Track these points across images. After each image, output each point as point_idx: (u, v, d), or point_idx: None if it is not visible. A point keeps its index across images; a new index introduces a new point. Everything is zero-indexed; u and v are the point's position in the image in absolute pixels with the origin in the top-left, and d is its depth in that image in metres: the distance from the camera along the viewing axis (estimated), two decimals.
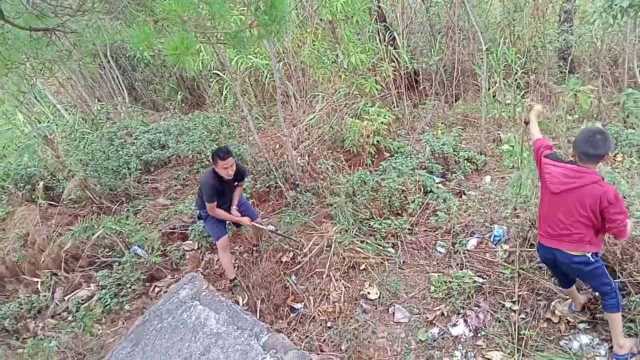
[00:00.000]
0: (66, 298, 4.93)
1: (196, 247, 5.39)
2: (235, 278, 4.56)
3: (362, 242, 4.78)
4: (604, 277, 2.95)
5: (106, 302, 4.62)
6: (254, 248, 5.04)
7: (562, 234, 2.90)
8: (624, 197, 3.97)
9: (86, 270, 5.23)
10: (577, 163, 2.78)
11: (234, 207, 4.51)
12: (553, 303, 3.57)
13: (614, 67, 7.94)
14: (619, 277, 3.38)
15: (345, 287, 4.28)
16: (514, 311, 3.61)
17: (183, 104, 10.10)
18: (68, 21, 3.54)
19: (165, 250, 5.32)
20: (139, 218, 6.02)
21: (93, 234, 5.31)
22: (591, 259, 2.87)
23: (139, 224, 5.77)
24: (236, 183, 4.41)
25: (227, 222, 4.65)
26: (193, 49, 2.96)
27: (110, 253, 5.28)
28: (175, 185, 6.87)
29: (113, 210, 6.24)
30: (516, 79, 7.04)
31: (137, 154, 7.19)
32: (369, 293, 4.18)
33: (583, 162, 2.74)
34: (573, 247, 2.88)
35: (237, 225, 4.89)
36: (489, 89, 7.39)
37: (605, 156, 2.75)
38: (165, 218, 5.91)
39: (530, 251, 4.06)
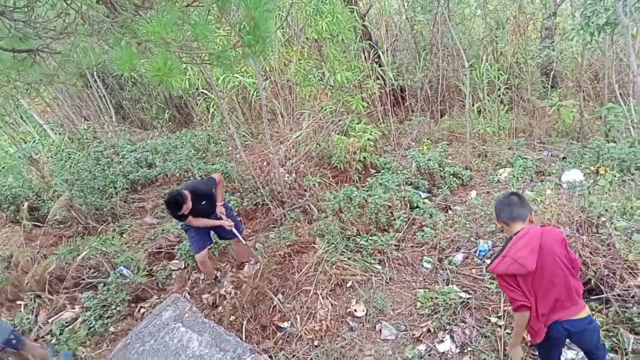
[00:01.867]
0: (50, 320, 4.85)
1: (183, 267, 5.35)
2: (216, 277, 4.93)
3: (349, 259, 4.78)
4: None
5: (91, 324, 4.56)
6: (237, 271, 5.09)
7: (564, 300, 2.55)
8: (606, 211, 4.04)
9: (71, 291, 5.16)
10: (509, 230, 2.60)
11: (219, 204, 4.63)
12: None
13: (595, 82, 8.10)
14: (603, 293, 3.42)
15: (332, 304, 4.26)
16: (500, 326, 3.61)
17: (171, 123, 10.12)
18: (52, 43, 3.56)
19: (151, 270, 5.27)
20: (125, 238, 5.98)
21: (78, 255, 5.26)
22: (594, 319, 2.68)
23: (125, 244, 5.73)
24: (203, 202, 4.43)
25: (212, 237, 4.79)
26: (177, 70, 2.98)
27: (95, 274, 5.22)
28: (162, 204, 6.83)
29: (99, 230, 6.19)
30: (499, 95, 7.16)
31: (124, 173, 7.16)
32: (355, 310, 4.17)
33: (512, 226, 2.57)
34: (582, 306, 2.59)
35: (220, 237, 4.97)
36: (473, 105, 7.51)
37: (529, 215, 2.60)
38: (152, 237, 5.88)
39: None
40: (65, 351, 4.30)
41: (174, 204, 4.07)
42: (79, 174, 6.97)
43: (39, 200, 6.68)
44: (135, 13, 3.03)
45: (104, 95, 9.67)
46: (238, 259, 5.19)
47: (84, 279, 5.17)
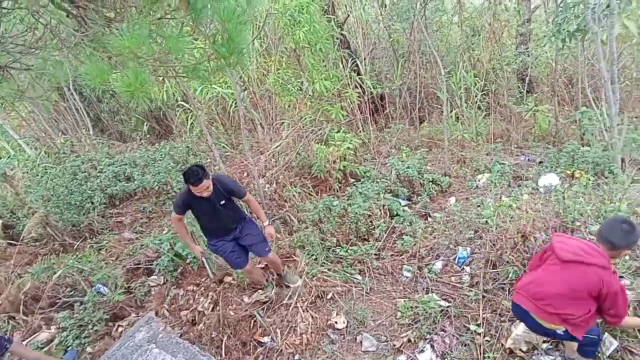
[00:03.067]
0: (24, 342, 4.72)
1: (162, 282, 5.26)
2: (267, 279, 4.65)
3: (329, 270, 4.76)
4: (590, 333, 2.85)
5: (67, 344, 4.45)
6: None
7: (547, 305, 2.77)
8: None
9: (47, 312, 5.03)
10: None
11: (265, 223, 4.22)
12: (513, 325, 3.60)
13: (570, 87, 8.24)
14: None
15: (312, 317, 4.23)
16: (479, 334, 3.62)
17: (150, 135, 10.02)
18: (21, 58, 3.49)
19: (129, 287, 5.18)
20: (102, 254, 5.87)
21: (54, 274, 5.14)
22: (562, 333, 2.80)
23: (103, 261, 5.63)
24: (223, 202, 3.96)
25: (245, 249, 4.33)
26: (148, 84, 2.94)
27: (72, 292, 5.10)
28: (141, 219, 6.74)
29: (76, 247, 6.08)
30: (476, 101, 7.23)
31: (102, 188, 7.05)
32: (336, 322, 4.14)
33: (602, 246, 2.68)
34: (552, 320, 2.78)
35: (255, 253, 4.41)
36: (451, 111, 7.58)
37: (623, 250, 2.67)
38: (130, 253, 5.78)
39: (492, 272, 4.11)
40: (70, 350, 4.27)
41: (194, 172, 3.56)
42: (55, 190, 6.83)
43: (14, 217, 6.54)
44: (107, 26, 2.99)
45: (81, 108, 9.53)
46: (253, 278, 4.67)
47: (60, 298, 5.05)
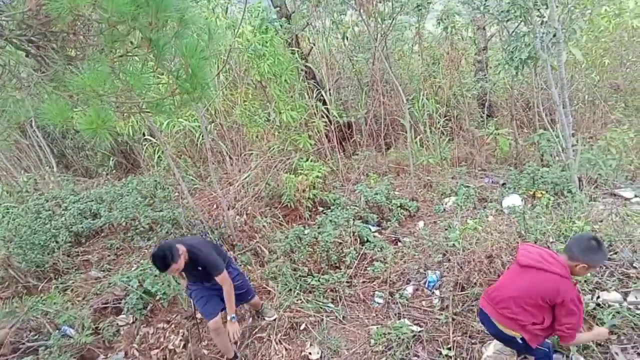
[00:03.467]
0: None
1: (131, 321, 5.12)
2: (235, 355, 4.10)
3: (301, 300, 4.74)
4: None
5: None
6: None
7: (504, 308, 2.87)
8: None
9: (9, 358, 4.81)
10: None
11: (229, 317, 3.84)
12: (483, 347, 3.66)
13: (528, 110, 8.61)
14: None
15: (286, 349, 4.19)
16: (450, 357, 3.66)
17: (116, 169, 9.87)
18: None
19: (97, 327, 5.01)
20: (68, 294, 5.68)
21: (16, 318, 4.94)
22: (520, 342, 2.87)
23: (69, 301, 5.44)
24: (200, 269, 3.71)
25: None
26: (110, 122, 2.93)
27: (36, 336, 4.90)
28: (109, 256, 6.57)
29: (40, 288, 5.86)
30: (439, 127, 7.46)
31: (67, 226, 6.87)
32: (310, 354, 4.11)
33: (565, 256, 2.74)
34: (509, 325, 2.86)
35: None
36: (415, 137, 7.78)
37: (580, 263, 2.66)
38: (98, 292, 5.61)
39: (461, 294, 4.18)
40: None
41: (160, 260, 3.33)
42: (18, 230, 6.62)
43: None
44: (67, 65, 2.99)
45: (43, 145, 9.35)
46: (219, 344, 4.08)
47: (23, 343, 4.85)
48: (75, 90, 2.87)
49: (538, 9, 5.06)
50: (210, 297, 3.93)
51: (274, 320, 4.53)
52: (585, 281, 3.76)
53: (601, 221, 4.64)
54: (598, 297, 3.67)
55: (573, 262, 2.68)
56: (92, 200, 7.51)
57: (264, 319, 4.58)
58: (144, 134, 8.45)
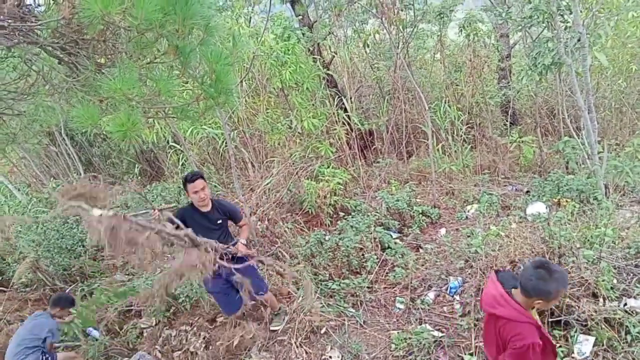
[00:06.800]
0: None
1: (154, 324, 5.20)
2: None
3: (322, 304, 4.74)
4: None
5: None
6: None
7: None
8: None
9: None
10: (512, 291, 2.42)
11: (241, 240, 4.03)
12: None
13: (552, 117, 8.49)
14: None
15: (306, 352, 4.20)
16: None
17: (141, 176, 10.06)
18: (14, 104, 3.59)
19: (121, 329, 5.12)
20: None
21: None
22: None
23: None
24: (219, 222, 3.97)
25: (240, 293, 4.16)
26: (140, 124, 3.03)
27: (63, 337, 5.03)
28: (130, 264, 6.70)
29: (67, 291, 6.01)
30: (460, 135, 7.41)
31: None
32: (330, 357, 4.11)
33: (521, 291, 2.34)
34: None
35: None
36: (437, 145, 7.74)
37: (534, 299, 2.27)
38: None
39: None
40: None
41: (195, 172, 3.75)
42: (46, 234, 6.81)
43: (4, 263, 6.48)
44: (98, 71, 3.10)
45: (72, 153, 9.60)
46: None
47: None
48: (106, 94, 2.98)
49: (562, 14, 5.01)
50: (227, 293, 4.18)
51: (277, 331, 4.59)
52: (611, 288, 3.68)
53: (628, 228, 4.53)
54: (625, 304, 3.59)
55: (529, 299, 2.29)
56: (118, 206, 7.67)
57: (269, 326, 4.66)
58: (168, 142, 8.61)
